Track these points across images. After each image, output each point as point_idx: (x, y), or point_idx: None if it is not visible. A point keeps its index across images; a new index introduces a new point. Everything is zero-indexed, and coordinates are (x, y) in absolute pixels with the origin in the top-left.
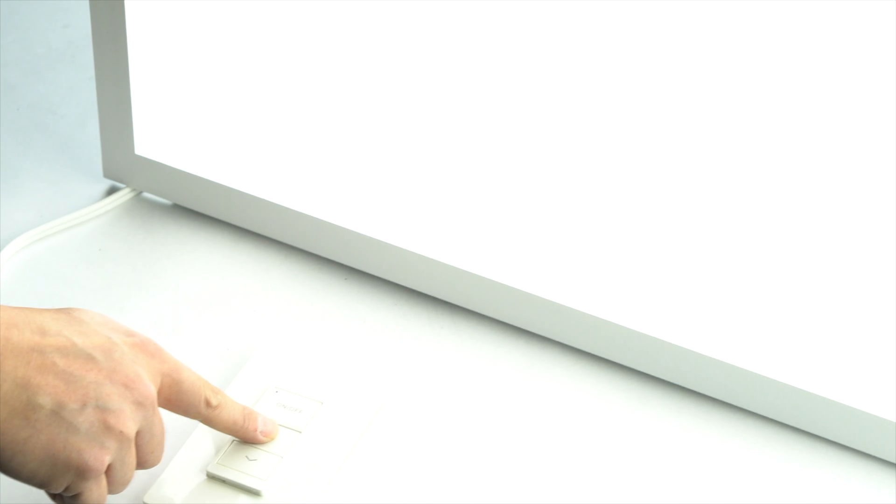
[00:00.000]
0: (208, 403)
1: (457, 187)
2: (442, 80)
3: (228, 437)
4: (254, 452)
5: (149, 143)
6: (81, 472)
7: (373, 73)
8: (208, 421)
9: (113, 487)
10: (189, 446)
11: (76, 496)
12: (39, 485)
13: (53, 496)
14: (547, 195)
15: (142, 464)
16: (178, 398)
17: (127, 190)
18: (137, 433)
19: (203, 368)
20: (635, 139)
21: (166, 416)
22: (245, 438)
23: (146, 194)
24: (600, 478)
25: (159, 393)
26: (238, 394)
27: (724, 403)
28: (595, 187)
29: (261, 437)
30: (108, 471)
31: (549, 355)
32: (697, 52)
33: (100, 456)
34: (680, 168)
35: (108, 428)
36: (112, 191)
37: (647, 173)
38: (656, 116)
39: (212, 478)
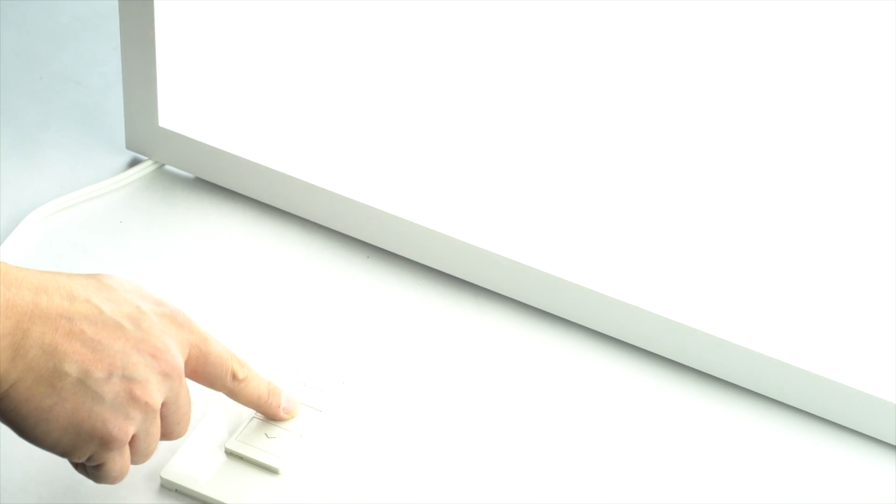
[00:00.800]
0: (235, 376)
1: (483, 169)
2: (470, 58)
3: (247, 414)
4: (273, 430)
5: (173, 115)
6: (105, 443)
7: (400, 50)
8: (233, 394)
9: (136, 458)
10: (207, 422)
11: (99, 466)
12: (62, 453)
13: (76, 465)
14: (575, 179)
15: (167, 435)
16: (204, 370)
17: (149, 162)
18: (163, 404)
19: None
20: (658, 123)
21: None
22: (267, 414)
23: (168, 167)
24: (621, 460)
25: (186, 364)
26: (258, 371)
27: (748, 391)
28: (624, 172)
29: (283, 415)
30: (132, 441)
31: (573, 339)
32: (701, 33)
33: (124, 426)
34: (704, 154)
35: (133, 398)
36: (134, 163)
37: (674, 159)
38: (676, 101)
39: (230, 454)
